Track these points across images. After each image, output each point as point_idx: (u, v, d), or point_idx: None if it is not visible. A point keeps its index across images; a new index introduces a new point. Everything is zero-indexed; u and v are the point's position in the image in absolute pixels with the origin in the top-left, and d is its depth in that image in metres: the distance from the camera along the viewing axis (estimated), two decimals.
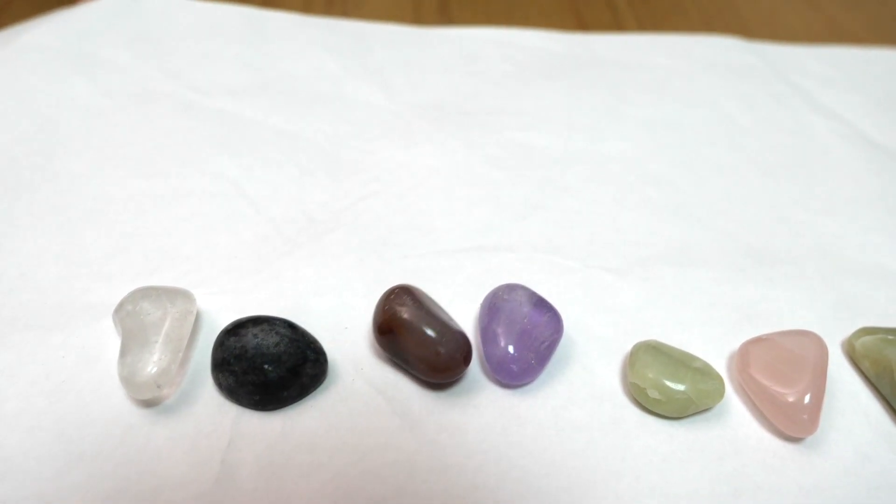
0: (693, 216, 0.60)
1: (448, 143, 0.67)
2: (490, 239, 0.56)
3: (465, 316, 0.52)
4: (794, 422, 0.44)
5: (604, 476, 0.44)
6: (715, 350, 0.51)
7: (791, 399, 0.44)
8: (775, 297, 0.54)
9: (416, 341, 0.45)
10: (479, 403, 0.47)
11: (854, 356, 0.49)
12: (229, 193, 0.60)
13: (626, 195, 0.62)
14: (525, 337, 0.47)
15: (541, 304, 0.48)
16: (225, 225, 0.57)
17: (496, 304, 0.48)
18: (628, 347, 0.50)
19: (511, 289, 0.49)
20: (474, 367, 0.49)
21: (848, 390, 0.49)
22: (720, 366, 0.50)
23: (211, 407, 0.45)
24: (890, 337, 0.48)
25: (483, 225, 0.59)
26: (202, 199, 0.60)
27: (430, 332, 0.45)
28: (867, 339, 0.49)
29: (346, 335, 0.50)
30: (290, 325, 0.47)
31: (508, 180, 0.63)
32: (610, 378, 0.49)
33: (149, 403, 0.45)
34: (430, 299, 0.48)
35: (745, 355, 0.47)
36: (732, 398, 0.48)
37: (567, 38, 0.84)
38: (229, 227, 0.57)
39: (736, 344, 0.50)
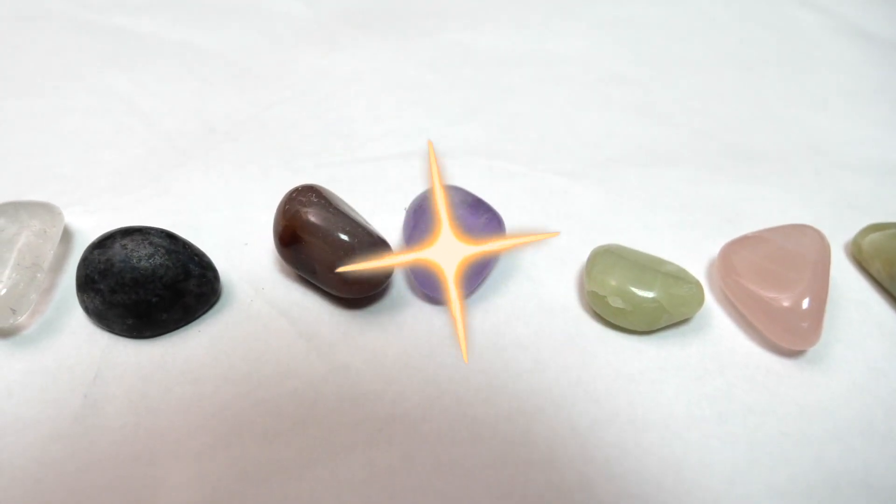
0: (661, 115, 0.52)
1: (376, 47, 0.59)
2: (421, 144, 0.47)
3: (389, 228, 0.43)
4: (791, 332, 0.36)
5: (555, 401, 0.35)
6: (691, 255, 0.42)
7: (787, 304, 0.36)
8: (761, 195, 0.45)
9: (325, 247, 0.36)
10: (403, 322, 0.39)
11: (861, 258, 0.40)
12: (118, 110, 0.52)
13: (582, 96, 0.53)
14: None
15: (478, 205, 0.38)
16: (111, 142, 0.49)
17: (423, 207, 0.38)
18: (585, 256, 0.41)
19: (454, 190, 0.38)
20: (399, 281, 0.41)
21: (855, 298, 0.40)
22: (697, 273, 0.42)
23: (79, 336, 0.37)
24: None
25: (413, 130, 0.51)
26: (87, 116, 0.52)
27: (341, 235, 0.37)
28: (877, 236, 0.39)
29: (246, 252, 0.42)
30: (170, 236, 0.38)
31: (444, 83, 0.55)
32: (563, 289, 0.40)
33: (4, 333, 0.37)
34: (343, 202, 0.39)
35: (728, 257, 0.38)
36: (714, 309, 0.39)
37: None
38: (116, 144, 0.49)
39: (715, 248, 0.41)
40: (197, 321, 0.38)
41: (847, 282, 0.41)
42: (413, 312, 0.38)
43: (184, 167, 0.47)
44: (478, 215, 0.38)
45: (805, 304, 0.35)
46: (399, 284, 0.40)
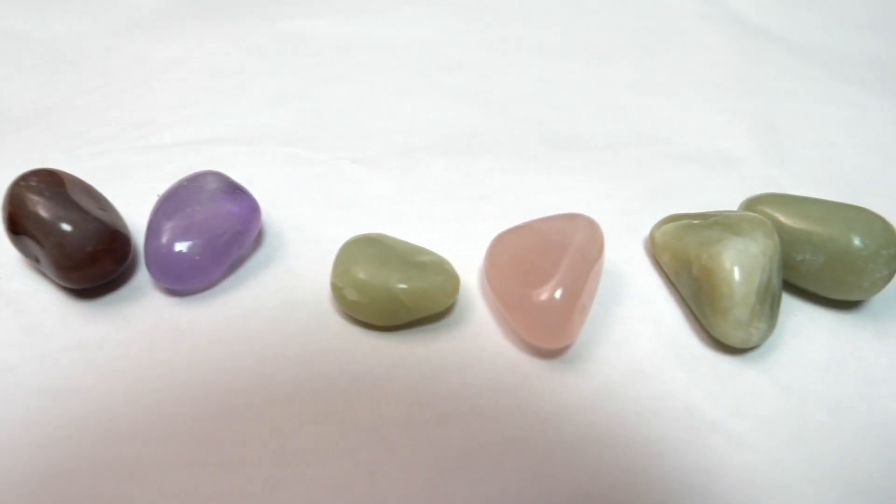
0: (491, 102, 0.48)
1: (207, 34, 0.57)
2: (221, 131, 0.44)
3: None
4: (541, 327, 0.33)
5: (268, 397, 0.33)
6: (475, 249, 0.39)
7: (541, 297, 0.32)
8: (569, 185, 0.41)
9: (43, 234, 0.34)
10: (132, 314, 0.36)
11: (654, 251, 0.36)
12: None
13: (411, 83, 0.50)
14: (195, 229, 0.36)
15: (230, 191, 0.35)
16: None
17: (172, 192, 0.36)
18: None
19: (199, 176, 0.37)
20: (144, 272, 0.38)
21: (641, 295, 0.36)
22: (473, 266, 0.38)
23: None
24: (696, 222, 0.34)
25: (215, 117, 0.48)
26: None
27: (58, 222, 0.35)
28: (669, 227, 0.35)
29: None
30: None
31: (267, 71, 0.52)
32: (320, 282, 0.37)
33: None
34: (86, 187, 0.37)
35: (495, 246, 0.34)
36: (478, 307, 0.34)
37: None
38: None
39: None
40: None
41: (636, 278, 0.37)
42: (145, 305, 0.35)
43: None
44: (227, 201, 0.35)
45: (557, 297, 0.31)
46: (143, 276, 0.37)
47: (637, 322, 0.35)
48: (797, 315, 0.36)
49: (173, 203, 0.36)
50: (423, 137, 0.45)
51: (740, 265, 0.32)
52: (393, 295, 0.32)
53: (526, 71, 0.53)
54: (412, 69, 0.52)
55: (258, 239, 0.38)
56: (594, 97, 0.50)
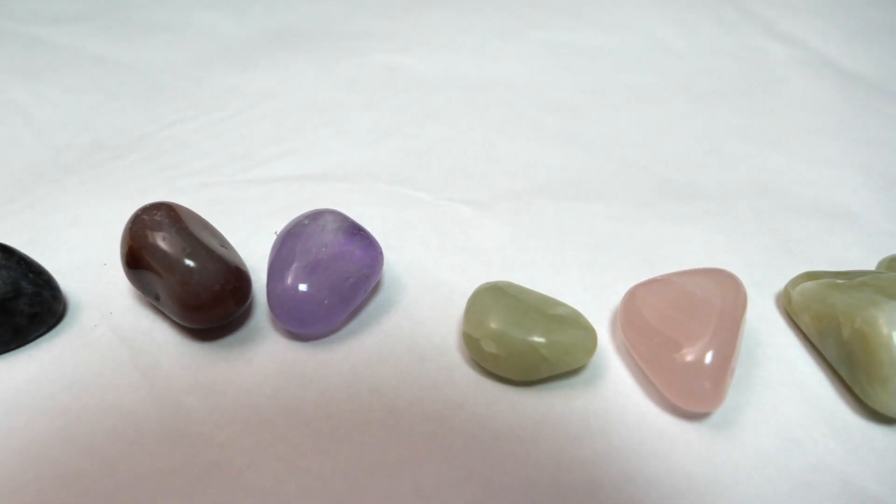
0: (595, 145, 0.46)
1: (297, 66, 0.55)
2: (323, 167, 0.42)
3: (261, 254, 0.39)
4: (690, 391, 0.31)
5: (402, 456, 0.31)
6: (598, 299, 0.37)
7: (688, 358, 0.30)
8: (688, 237, 0.39)
9: (166, 270, 0.32)
10: (254, 358, 0.34)
11: (791, 309, 0.34)
12: (10, 121, 0.49)
13: (510, 123, 0.48)
14: (321, 271, 0.34)
15: (353, 232, 0.33)
16: None
17: (293, 231, 0.34)
18: None
19: (318, 214, 0.35)
20: (262, 313, 0.36)
21: (780, 356, 0.35)
22: (603, 319, 0.36)
23: None
24: (840, 281, 0.32)
25: (314, 152, 0.47)
26: None
27: (184, 258, 0.33)
28: (809, 285, 0.33)
29: (103, 273, 0.38)
30: (3, 249, 0.34)
31: (361, 105, 0.51)
32: (444, 330, 0.35)
33: None
34: (204, 223, 0.36)
35: (631, 301, 0.32)
36: (613, 361, 0.33)
37: None
38: None
39: (625, 292, 0.36)
40: (31, 345, 0.34)
41: (772, 337, 0.35)
42: (267, 348, 0.33)
43: (59, 182, 0.43)
44: (351, 243, 0.33)
45: (708, 359, 0.30)
46: (261, 318, 0.35)
47: (780, 385, 0.33)
48: None
49: (294, 242, 0.34)
50: (530, 180, 0.44)
51: None
52: (534, 349, 0.31)
53: (624, 114, 0.52)
54: (509, 108, 0.51)
55: (377, 283, 0.36)
56: (697, 143, 0.49)
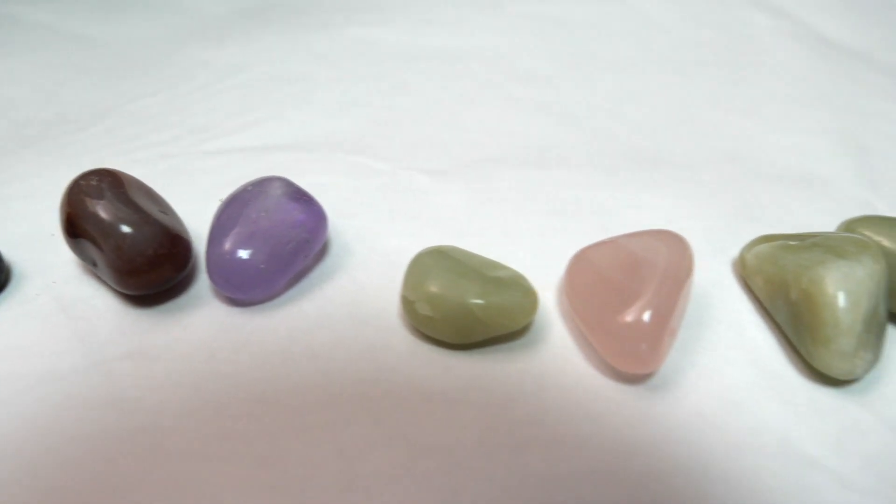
0: (565, 116, 0.46)
1: (268, 40, 0.56)
2: (284, 138, 0.42)
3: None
4: (626, 351, 0.30)
5: (341, 418, 0.30)
6: (550, 264, 0.36)
7: (625, 319, 0.30)
8: (649, 202, 0.39)
9: (102, 236, 0.32)
10: (193, 324, 0.34)
11: (745, 273, 0.33)
12: None
13: (480, 94, 0.48)
14: (259, 236, 0.34)
15: (296, 198, 0.34)
16: None
17: (235, 197, 0.34)
18: None
19: (263, 181, 0.35)
20: (205, 279, 0.37)
21: (731, 320, 0.34)
22: (552, 284, 0.36)
23: None
24: (793, 243, 0.31)
25: (280, 123, 0.47)
26: None
27: (119, 224, 0.33)
28: (762, 248, 0.33)
29: (50, 243, 0.38)
30: None
31: (331, 77, 0.51)
32: (387, 296, 0.35)
33: None
34: (146, 189, 0.36)
35: (576, 263, 0.32)
36: (557, 326, 0.32)
37: None
38: None
39: None
40: None
41: (726, 301, 0.34)
42: (206, 314, 0.33)
43: (17, 154, 0.43)
44: (293, 209, 0.33)
45: (645, 319, 0.29)
46: (203, 282, 0.36)
47: (727, 349, 0.32)
48: None
49: (237, 209, 0.34)
50: (493, 149, 0.43)
51: (846, 290, 0.29)
52: (468, 310, 0.30)
53: (600, 85, 0.51)
54: (482, 80, 0.50)
55: (323, 249, 0.37)
56: (672, 113, 0.47)
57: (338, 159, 0.42)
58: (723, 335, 0.33)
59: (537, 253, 0.37)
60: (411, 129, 0.45)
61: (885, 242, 0.33)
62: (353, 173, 0.42)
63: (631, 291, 0.30)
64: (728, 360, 0.32)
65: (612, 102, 0.48)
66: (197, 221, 0.36)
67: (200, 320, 0.33)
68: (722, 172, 0.42)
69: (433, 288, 0.31)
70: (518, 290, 0.31)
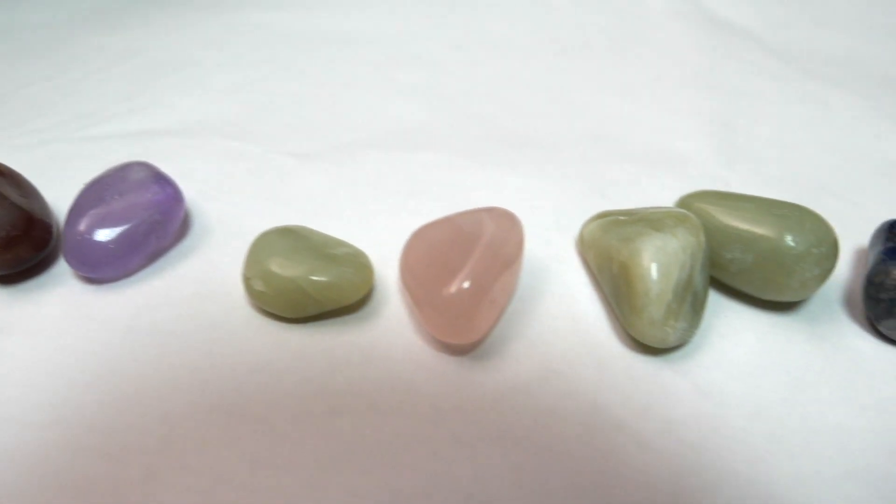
0: (441, 99, 0.47)
1: (166, 24, 0.57)
2: (164, 123, 0.44)
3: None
4: (445, 322, 0.31)
5: (168, 387, 0.32)
6: (398, 243, 0.36)
7: (444, 291, 0.31)
8: (506, 182, 0.40)
9: None
10: (46, 301, 0.36)
11: (582, 248, 0.34)
12: None
13: (361, 77, 0.50)
14: (113, 217, 0.36)
15: (153, 181, 0.36)
16: None
17: (95, 181, 0.36)
18: None
19: (124, 166, 0.37)
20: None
21: (563, 293, 0.36)
22: (396, 262, 0.36)
23: None
24: (623, 218, 0.32)
25: (163, 108, 0.48)
26: None
27: None
28: (596, 223, 0.33)
29: None
30: None
31: (220, 62, 0.52)
32: (235, 275, 0.36)
33: None
34: (10, 173, 0.37)
35: (411, 240, 0.33)
36: (394, 302, 0.34)
37: None
38: None
39: None
40: None
41: (563, 276, 0.36)
42: (62, 292, 0.35)
43: None
44: (147, 191, 0.35)
45: (462, 291, 0.30)
46: (64, 262, 0.37)
47: (555, 319, 0.34)
48: (727, 316, 0.34)
49: (95, 192, 0.36)
50: (365, 132, 0.45)
51: (658, 262, 0.31)
52: (298, 286, 0.32)
53: (485, 68, 0.52)
54: (365, 63, 0.52)
55: (183, 230, 0.38)
56: (552, 95, 0.49)
57: (213, 144, 0.44)
58: (553, 308, 0.34)
59: (390, 232, 0.38)
60: (290, 113, 0.46)
61: (715, 214, 0.34)
62: (225, 157, 0.43)
63: (454, 265, 0.31)
64: (554, 331, 0.33)
65: (492, 85, 0.49)
66: (68, 205, 0.37)
67: (55, 297, 0.35)
68: (584, 152, 0.43)
69: (267, 265, 0.32)
70: (351, 267, 0.33)
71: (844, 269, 0.36)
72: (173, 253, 0.37)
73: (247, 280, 0.33)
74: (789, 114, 0.47)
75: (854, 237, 0.38)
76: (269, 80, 0.50)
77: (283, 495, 0.28)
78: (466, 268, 0.31)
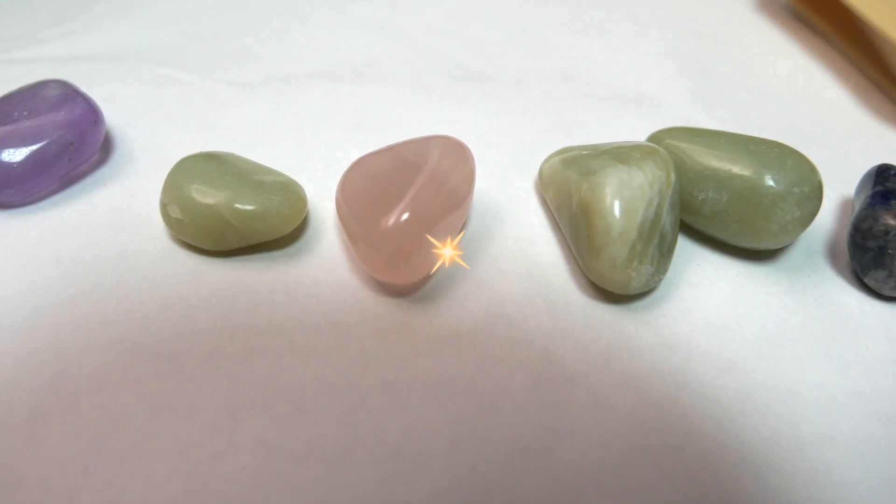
0: (399, 34, 0.44)
1: None
2: (96, 48, 0.41)
3: None
4: (381, 257, 0.28)
5: (66, 322, 0.28)
6: (339, 176, 0.33)
7: (380, 224, 0.27)
8: (461, 118, 0.36)
9: None
10: None
11: (542, 186, 0.30)
12: None
13: (314, 9, 0.46)
14: (18, 136, 0.32)
15: (67, 99, 0.31)
16: None
17: (4, 98, 0.33)
18: None
19: (40, 83, 0.34)
20: None
21: (519, 234, 0.32)
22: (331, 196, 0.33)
23: None
24: (585, 153, 0.28)
25: (95, 33, 0.45)
26: None
27: None
28: (556, 159, 0.29)
29: None
30: None
31: None
32: (154, 203, 0.33)
33: None
34: None
35: (351, 171, 0.29)
36: (330, 237, 0.29)
37: None
38: None
39: None
40: None
41: (521, 217, 0.33)
42: None
43: None
44: (60, 109, 0.31)
45: (402, 221, 0.26)
46: None
47: (507, 262, 0.30)
48: (699, 264, 0.30)
49: (2, 109, 0.32)
50: (312, 64, 0.41)
51: (621, 196, 0.27)
52: (219, 214, 0.28)
53: (446, 5, 0.49)
54: None
55: (103, 156, 0.35)
56: (515, 34, 0.45)
57: (145, 70, 0.40)
58: (507, 250, 0.31)
59: (330, 165, 0.35)
60: (233, 44, 0.42)
61: (687, 151, 0.30)
62: (156, 84, 0.39)
63: (392, 197, 0.27)
64: (504, 274, 0.30)
65: (453, 22, 0.45)
66: None
67: None
68: (549, 91, 0.39)
69: (185, 190, 0.29)
70: (280, 196, 0.29)
71: (829, 220, 0.33)
72: (89, 180, 0.33)
73: (163, 206, 0.29)
74: (771, 63, 0.44)
75: (839, 187, 0.35)
76: (211, 10, 0.46)
77: (181, 444, 0.24)
78: (406, 199, 0.27)
